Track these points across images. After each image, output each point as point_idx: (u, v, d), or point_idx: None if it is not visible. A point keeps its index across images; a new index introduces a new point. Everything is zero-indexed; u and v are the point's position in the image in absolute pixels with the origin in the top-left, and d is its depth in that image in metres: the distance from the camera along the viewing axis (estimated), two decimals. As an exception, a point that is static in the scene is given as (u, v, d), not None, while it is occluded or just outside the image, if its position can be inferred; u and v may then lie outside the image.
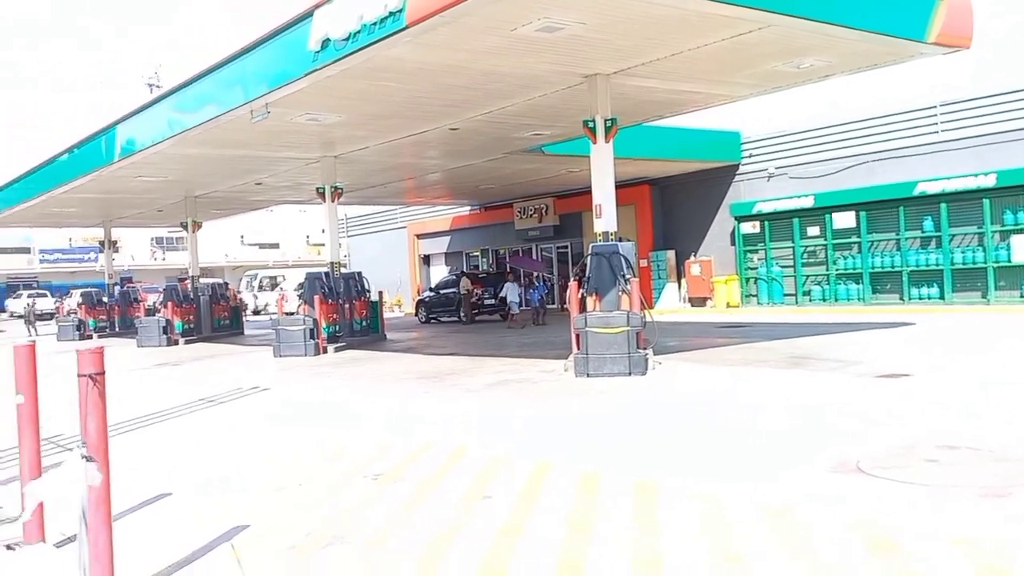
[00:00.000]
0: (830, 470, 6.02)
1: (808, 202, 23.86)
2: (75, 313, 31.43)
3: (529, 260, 31.29)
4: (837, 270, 23.50)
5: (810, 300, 24.10)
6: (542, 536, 4.91)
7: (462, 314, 27.24)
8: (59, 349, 23.93)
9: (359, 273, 21.50)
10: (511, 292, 24.22)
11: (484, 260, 35.53)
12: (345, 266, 30.22)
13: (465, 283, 28.40)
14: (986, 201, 20.34)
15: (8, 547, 4.99)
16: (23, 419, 4.77)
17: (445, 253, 38.03)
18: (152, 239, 71.42)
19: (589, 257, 12.93)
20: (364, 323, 20.76)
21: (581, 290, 12.71)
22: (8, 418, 9.19)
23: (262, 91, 13.39)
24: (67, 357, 18.33)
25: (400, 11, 9.92)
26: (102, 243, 33.29)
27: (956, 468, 5.97)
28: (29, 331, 34.27)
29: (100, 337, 30.05)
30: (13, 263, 64.13)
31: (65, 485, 3.88)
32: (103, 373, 4.07)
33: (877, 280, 22.71)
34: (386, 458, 7.29)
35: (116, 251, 34.66)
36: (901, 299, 21.99)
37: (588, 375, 11.84)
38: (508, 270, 28.12)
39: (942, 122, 21.54)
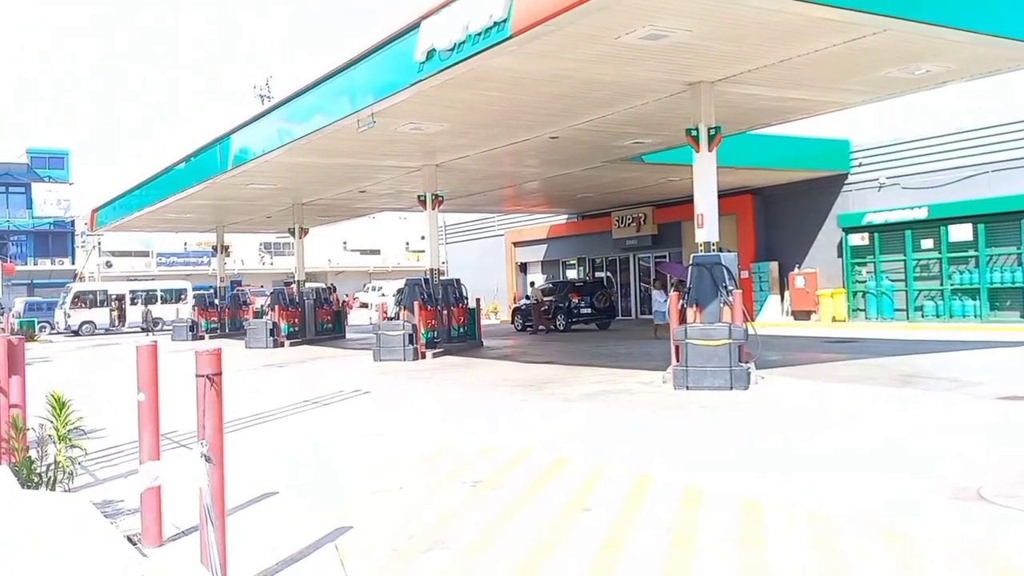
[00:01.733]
0: (950, 496, 5.72)
1: (922, 213, 22.86)
2: (190, 316, 32.83)
3: (679, 266, 29.59)
4: (952, 285, 22.42)
5: (922, 316, 23.06)
6: (642, 550, 4.83)
7: (539, 325, 27.17)
8: (174, 348, 25.05)
9: (457, 280, 21.75)
10: (658, 300, 22.88)
11: (580, 269, 35.43)
12: (444, 273, 30.67)
13: (536, 293, 28.37)
14: (1118, 213, 19.07)
15: (129, 539, 5.21)
16: (144, 416, 4.98)
17: (542, 261, 38.08)
18: (260, 244, 74.05)
19: (690, 268, 12.71)
20: (461, 329, 20.98)
21: (681, 301, 12.51)
22: (124, 413, 9.64)
23: (368, 101, 13.70)
24: (180, 356, 19.16)
25: (505, 21, 9.99)
26: (215, 247, 34.74)
27: (1089, 499, 5.58)
28: (147, 329, 36.17)
29: (211, 338, 31.32)
30: (134, 265, 67.54)
31: (184, 481, 4.03)
32: (220, 374, 4.21)
33: (996, 296, 21.56)
34: (484, 465, 7.32)
35: (227, 255, 36.06)
36: (1022, 317, 20.81)
37: (687, 388, 11.62)
38: (655, 277, 26.53)
39: (1070, 130, 20.30)
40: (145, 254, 69.21)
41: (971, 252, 22.01)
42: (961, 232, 22.12)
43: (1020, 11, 11.25)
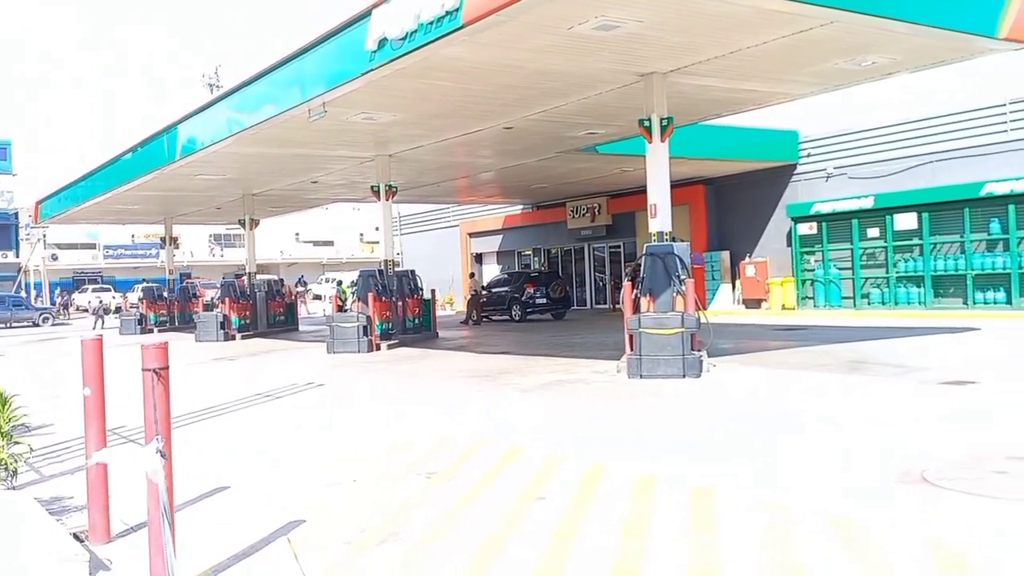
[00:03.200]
0: (895, 480, 5.86)
1: (868, 203, 23.35)
2: (137, 307, 32.22)
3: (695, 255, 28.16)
4: (897, 273, 22.95)
5: (868, 303, 23.57)
6: (596, 538, 4.86)
7: (472, 317, 27.25)
8: (122, 342, 24.56)
9: (412, 271, 21.65)
10: None
11: (536, 259, 35.52)
12: (399, 264, 30.50)
13: (474, 283, 28.43)
14: (1057, 203, 19.67)
15: (76, 536, 5.11)
16: (90, 411, 4.87)
17: (497, 252, 38.10)
18: (210, 236, 72.90)
19: (643, 257, 12.81)
20: (417, 321, 20.90)
21: (635, 291, 12.60)
22: (71, 409, 9.43)
23: (319, 91, 13.54)
24: (128, 350, 18.80)
25: (457, 10, 9.93)
26: (163, 239, 34.09)
27: (1027, 480, 5.76)
28: (96, 325, 35.35)
29: (160, 331, 30.77)
30: (79, 258, 66.07)
31: (133, 476, 3.95)
32: (167, 368, 4.14)
33: (939, 283, 22.12)
34: (439, 456, 7.31)
35: (176, 247, 35.42)
36: (965, 303, 21.38)
37: (641, 376, 11.73)
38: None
39: (1012, 120, 20.88)
40: (92, 246, 67.70)
41: (915, 240, 22.54)
42: (906, 221, 22.64)
43: (962, 4, 11.51)
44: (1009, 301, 20.52)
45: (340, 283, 29.71)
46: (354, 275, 27.93)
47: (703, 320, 12.26)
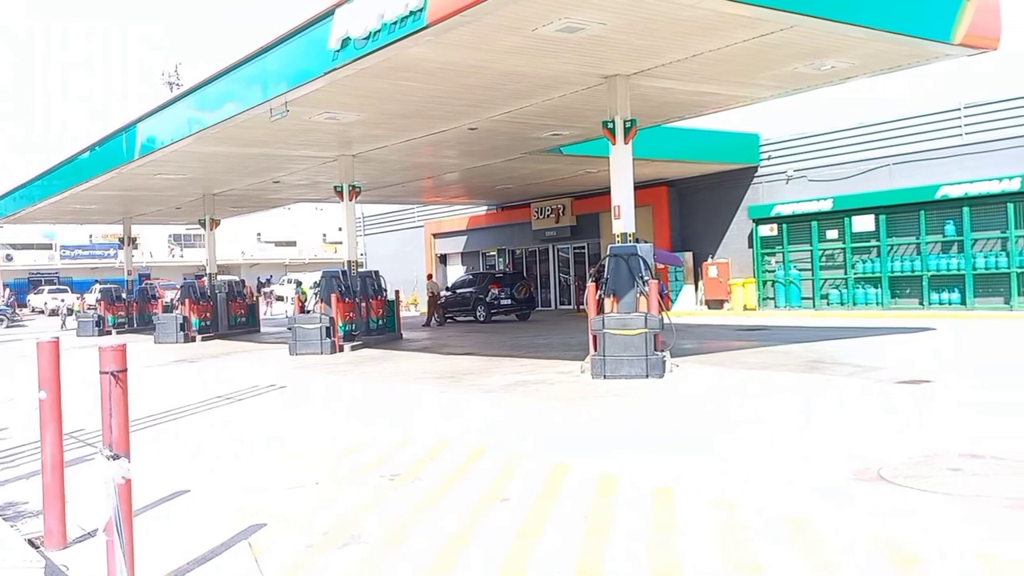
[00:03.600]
0: (851, 478, 5.95)
1: (827, 205, 23.71)
2: (95, 309, 31.66)
3: (667, 253, 25.73)
4: (856, 274, 23.33)
5: (828, 304, 23.93)
6: (559, 538, 4.88)
7: (435, 319, 27.23)
8: (79, 344, 24.13)
9: (376, 272, 21.54)
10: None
11: (501, 260, 35.54)
12: (362, 265, 30.32)
13: (432, 285, 28.39)
14: (1010, 205, 20.13)
15: (31, 542, 5.01)
16: (46, 414, 4.78)
17: (462, 253, 38.06)
18: (170, 236, 71.88)
19: (607, 258, 12.88)
20: (380, 322, 20.80)
21: (599, 291, 12.67)
22: (26, 412, 9.26)
23: (281, 89, 13.43)
24: (87, 352, 18.47)
25: (421, 10, 9.91)
26: (122, 240, 33.57)
27: (980, 478, 5.88)
28: (63, 325, 34.85)
29: (119, 333, 30.27)
30: (36, 258, 64.78)
31: (90, 479, 3.89)
32: (125, 370, 4.08)
33: (896, 284, 22.52)
34: (402, 458, 7.28)
35: (135, 248, 34.89)
36: (921, 304, 21.79)
37: (605, 377, 11.79)
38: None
39: (966, 125, 21.34)
40: (48, 247, 66.43)
41: (873, 242, 22.93)
42: (864, 223, 23.03)
43: (918, 10, 11.74)
44: (964, 302, 20.96)
45: (299, 283, 29.40)
46: (317, 276, 27.75)
47: (666, 320, 12.36)
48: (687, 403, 9.82)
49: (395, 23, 10.43)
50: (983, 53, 12.82)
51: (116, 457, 3.82)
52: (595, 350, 12.11)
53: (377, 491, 6.21)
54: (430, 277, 29.33)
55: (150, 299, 31.40)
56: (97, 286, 46.24)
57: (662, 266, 24.62)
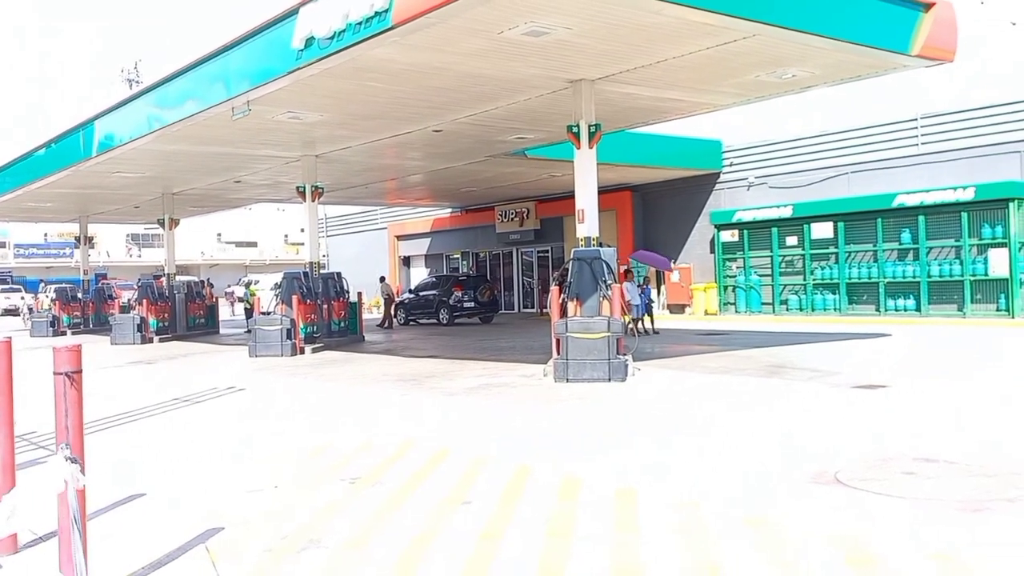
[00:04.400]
0: (809, 480, 6.03)
1: (787, 212, 24.03)
2: (49, 309, 31.02)
3: (656, 256, 25.22)
4: (814, 280, 23.67)
5: (787, 309, 24.25)
6: (521, 541, 4.87)
7: (385, 322, 27.14)
8: (33, 345, 23.62)
9: (338, 273, 21.38)
10: (631, 293, 18.82)
11: (464, 263, 35.50)
12: (324, 266, 30.04)
13: (385, 287, 28.32)
14: (964, 214, 20.57)
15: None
16: (-5, 417, 4.66)
17: (425, 255, 37.94)
18: (128, 235, 70.69)
19: (571, 262, 12.92)
20: (342, 324, 20.65)
21: (562, 295, 12.70)
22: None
23: (244, 88, 13.29)
24: (40, 353, 18.10)
25: (386, 11, 9.87)
26: (78, 239, 32.95)
27: (934, 481, 5.99)
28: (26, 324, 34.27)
29: (74, 334, 29.67)
30: (-13, 257, 63.37)
31: (45, 485, 3.80)
32: (80, 371, 3.99)
33: (854, 291, 22.89)
34: (363, 461, 7.23)
35: (92, 247, 34.26)
36: (877, 310, 22.18)
37: (568, 380, 11.82)
38: (626, 271, 21.43)
39: (922, 135, 21.78)
40: (1, 245, 65.00)
41: (832, 249, 23.29)
42: (823, 230, 23.38)
43: (878, 22, 11.96)
44: (919, 308, 21.36)
45: (249, 284, 28.94)
46: (278, 277, 27.44)
47: (629, 325, 12.44)
48: (648, 407, 9.88)
49: (360, 23, 10.37)
50: (939, 64, 13.12)
51: (73, 460, 3.74)
52: (558, 353, 12.13)
53: (338, 495, 6.15)
54: (383, 279, 29.15)
55: (107, 299, 30.84)
56: (43, 285, 45.43)
57: (653, 269, 24.45)
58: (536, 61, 12.30)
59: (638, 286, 20.28)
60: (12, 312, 43.47)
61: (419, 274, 36.82)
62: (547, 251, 31.74)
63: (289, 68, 11.98)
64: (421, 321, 28.11)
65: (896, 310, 21.81)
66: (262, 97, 13.53)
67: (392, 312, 27.89)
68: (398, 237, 38.78)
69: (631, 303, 18.99)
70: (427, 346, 19.32)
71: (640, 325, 19.71)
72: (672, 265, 25.67)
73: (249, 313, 28.07)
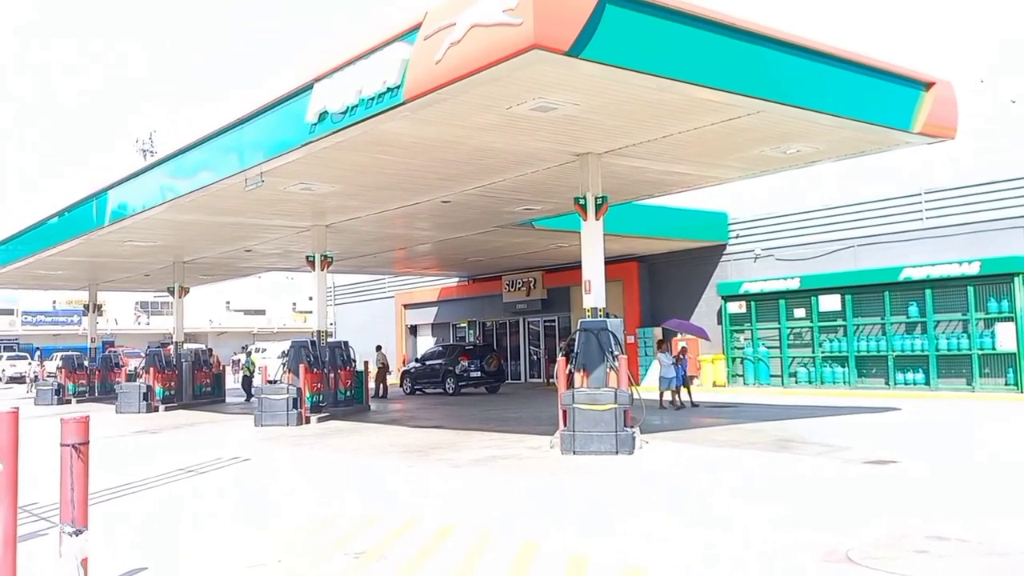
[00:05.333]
0: (820, 559, 5.92)
1: (794, 284, 24.06)
2: (54, 376, 30.99)
3: (690, 325, 24.03)
4: (823, 352, 23.56)
5: (796, 382, 24.07)
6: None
7: (380, 390, 27.01)
8: (37, 414, 23.54)
9: (345, 342, 21.39)
10: (665, 365, 19.07)
11: (471, 332, 35.49)
12: (331, 335, 30.06)
13: (381, 357, 28.17)
14: (970, 288, 20.57)
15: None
16: (1, 488, 4.63)
17: (432, 324, 37.95)
18: (136, 303, 71.10)
19: (578, 333, 12.92)
20: (348, 393, 20.57)
21: (569, 366, 12.66)
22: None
23: (257, 160, 13.50)
24: (43, 422, 18.03)
25: (399, 87, 10.10)
26: (86, 306, 33.08)
27: (946, 560, 5.88)
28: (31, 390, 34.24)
29: (79, 402, 29.56)
30: (-4, 324, 63.66)
31: (46, 554, 3.77)
32: (87, 443, 3.99)
33: (863, 364, 22.76)
34: (369, 535, 7.13)
35: (100, 315, 34.37)
36: (887, 383, 22.00)
37: (575, 453, 11.70)
38: (660, 341, 21.68)
39: (927, 209, 21.94)
40: (10, 312, 65.37)
41: (840, 321, 23.23)
42: (830, 302, 23.35)
43: (880, 100, 12.18)
44: (928, 382, 21.19)
45: (249, 352, 28.88)
46: (285, 345, 27.44)
47: (636, 396, 12.36)
48: (656, 482, 9.75)
49: (372, 99, 10.61)
50: (941, 141, 13.31)
51: (77, 533, 3.71)
52: (564, 425, 12.04)
53: (342, 570, 6.06)
54: (379, 349, 29.11)
55: (113, 367, 30.83)
56: (37, 354, 45.53)
57: (691, 338, 23.79)
58: (544, 135, 12.52)
59: (674, 357, 19.67)
60: (18, 380, 43.37)
61: (426, 343, 36.79)
62: (554, 321, 31.74)
63: (303, 141, 12.20)
64: (427, 390, 27.97)
65: (905, 383, 21.64)
66: (275, 169, 13.74)
67: (386, 381, 27.71)
68: (405, 306, 38.88)
69: (663, 376, 19.00)
70: (433, 416, 19.19)
71: (678, 397, 19.31)
72: (708, 334, 23.93)
73: (248, 382, 28.04)
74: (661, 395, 19.26)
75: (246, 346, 31.07)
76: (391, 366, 30.69)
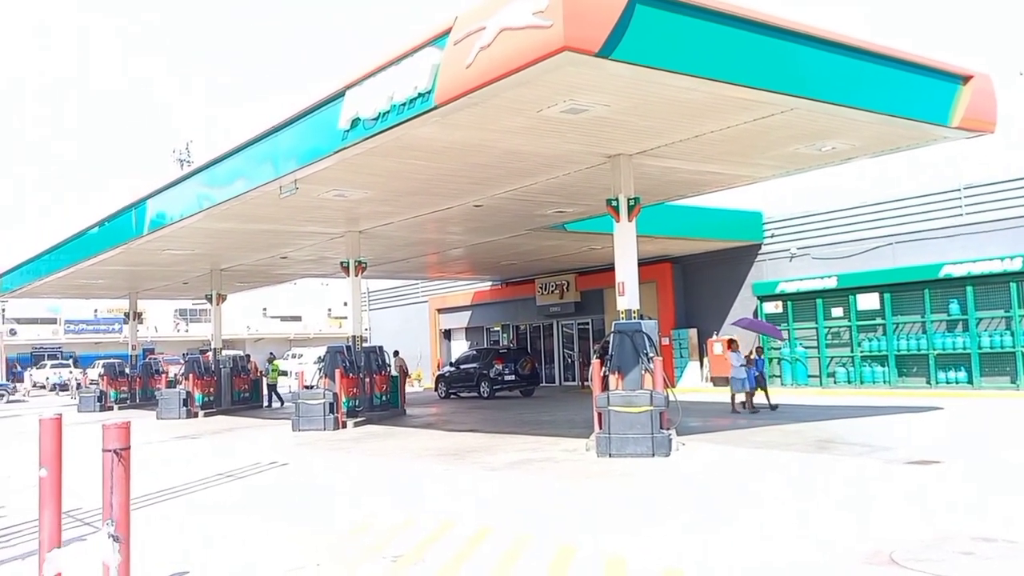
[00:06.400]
0: (863, 561, 5.83)
1: (831, 283, 23.76)
2: (97, 384, 31.55)
3: (763, 323, 22.99)
4: (862, 352, 23.22)
5: (835, 382, 23.76)
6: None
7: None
8: (79, 420, 23.97)
9: (380, 347, 21.52)
10: (735, 366, 18.15)
11: (504, 335, 35.52)
12: (366, 340, 30.23)
13: (399, 362, 27.73)
14: (1013, 285, 20.16)
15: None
16: (45, 493, 4.72)
17: (466, 328, 38.05)
18: (176, 311, 72.16)
19: (612, 335, 12.86)
20: (384, 397, 20.68)
21: (603, 368, 12.62)
22: (23, 490, 9.14)
23: (291, 168, 13.65)
24: (85, 429, 18.36)
25: (429, 92, 10.15)
26: (127, 314, 33.64)
27: (993, 562, 5.76)
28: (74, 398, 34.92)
29: (120, 409, 30.07)
30: (40, 333, 64.92)
31: (88, 561, 3.82)
32: (128, 449, 4.05)
33: (903, 363, 22.40)
34: (406, 538, 7.15)
35: (140, 322, 34.92)
36: (928, 383, 21.63)
37: (610, 455, 11.65)
38: (730, 340, 20.02)
39: (966, 205, 21.55)
40: (52, 321, 66.70)
41: (878, 320, 22.89)
42: (869, 301, 23.02)
43: (916, 94, 11.99)
44: (970, 381, 20.80)
45: (271, 360, 29.11)
46: (321, 351, 27.64)
47: (672, 398, 12.28)
48: (694, 484, 9.67)
49: (404, 104, 10.66)
50: (980, 136, 13.06)
51: (117, 539, 3.77)
52: (600, 428, 11.99)
53: (380, 574, 6.08)
54: (396, 354, 29.04)
55: (153, 374, 31.31)
56: (100, 361, 46.33)
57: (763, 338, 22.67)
58: (575, 137, 12.50)
59: (745, 357, 18.42)
60: (63, 388, 44.19)
61: (460, 347, 36.89)
62: (587, 324, 31.66)
63: (336, 148, 12.29)
64: (462, 394, 28.04)
65: (947, 383, 21.26)
66: (309, 176, 13.87)
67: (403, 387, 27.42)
68: (439, 310, 39.01)
69: (734, 377, 17.94)
70: (468, 420, 19.22)
71: (752, 400, 18.07)
72: (782, 334, 23.37)
73: (272, 389, 28.27)
74: (733, 398, 18.35)
75: (272, 355, 31.42)
76: (409, 371, 30.58)
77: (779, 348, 25.13)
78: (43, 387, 51.27)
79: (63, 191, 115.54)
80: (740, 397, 18.17)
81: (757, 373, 18.44)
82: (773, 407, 17.97)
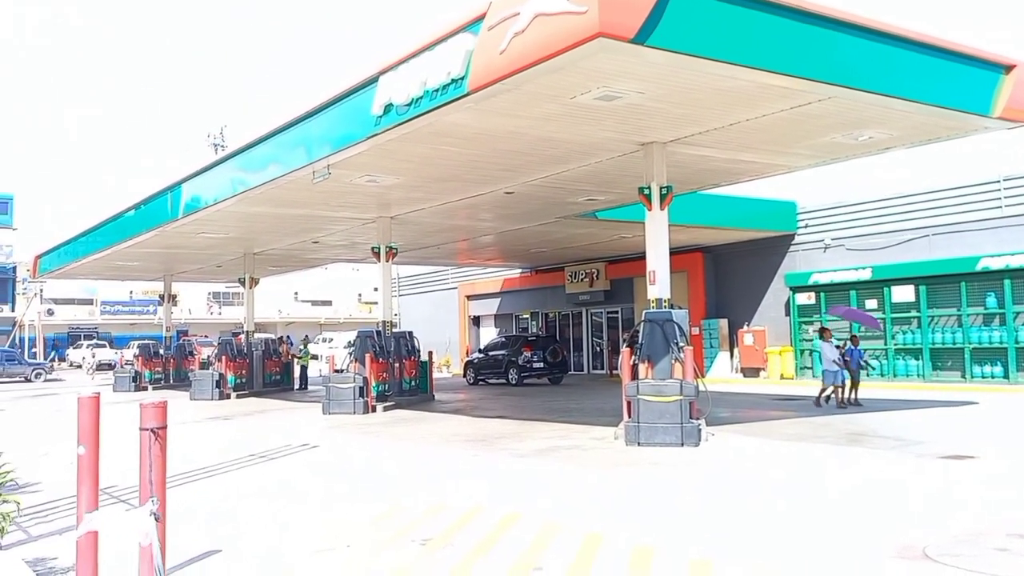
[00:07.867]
0: (895, 556, 5.77)
1: (866, 275, 23.45)
2: (132, 364, 32.07)
3: (861, 313, 21.17)
4: (896, 345, 22.92)
5: (867, 374, 23.43)
6: (594, 612, 4.77)
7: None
8: (115, 400, 24.38)
9: (410, 332, 21.62)
10: (828, 356, 16.60)
11: (533, 323, 35.53)
12: (396, 325, 30.39)
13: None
14: (1053, 279, 19.77)
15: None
16: (83, 470, 4.81)
17: (495, 315, 38.11)
18: (209, 293, 73.04)
19: (642, 324, 12.81)
20: (413, 383, 20.80)
21: (633, 357, 12.58)
22: (60, 466, 9.32)
23: (324, 153, 13.71)
24: (120, 408, 18.65)
25: (463, 78, 10.13)
26: (161, 296, 34.13)
27: (1031, 559, 5.67)
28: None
29: (155, 389, 30.55)
30: (76, 314, 66.02)
31: (123, 529, 3.90)
32: (165, 427, 4.11)
33: (938, 356, 22.08)
34: (434, 523, 7.20)
35: (175, 305, 35.38)
36: (963, 377, 21.31)
37: (639, 444, 11.63)
38: (822, 328, 17.94)
39: (1006, 197, 21.14)
40: (89, 302, 67.81)
41: (913, 313, 22.57)
42: (903, 293, 22.70)
43: (957, 84, 11.75)
44: (1007, 376, 20.46)
45: (306, 342, 29.51)
46: (352, 335, 27.83)
47: (702, 388, 12.22)
48: (723, 474, 9.63)
49: (437, 90, 10.65)
50: (1022, 126, 12.79)
51: (158, 517, 3.83)
52: (629, 416, 11.97)
53: (409, 556, 6.13)
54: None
55: (187, 356, 31.76)
56: (135, 342, 47.04)
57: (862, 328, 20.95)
58: (608, 124, 12.42)
59: (837, 347, 16.83)
60: (107, 367, 44.59)
61: (488, 334, 36.96)
62: (617, 312, 31.56)
63: (368, 133, 12.32)
64: (490, 381, 28.11)
65: (983, 377, 20.92)
66: (341, 161, 13.93)
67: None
68: (468, 297, 39.10)
69: (826, 370, 16.54)
70: (496, 406, 19.28)
71: (840, 395, 16.62)
72: (880, 323, 21.73)
73: (304, 372, 28.71)
74: (821, 392, 16.77)
75: (307, 337, 31.88)
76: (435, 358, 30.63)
77: (811, 340, 24.87)
78: (79, 366, 52.14)
79: (99, 168, 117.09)
80: (828, 391, 16.72)
81: (859, 362, 17.05)
82: (857, 403, 16.68)
